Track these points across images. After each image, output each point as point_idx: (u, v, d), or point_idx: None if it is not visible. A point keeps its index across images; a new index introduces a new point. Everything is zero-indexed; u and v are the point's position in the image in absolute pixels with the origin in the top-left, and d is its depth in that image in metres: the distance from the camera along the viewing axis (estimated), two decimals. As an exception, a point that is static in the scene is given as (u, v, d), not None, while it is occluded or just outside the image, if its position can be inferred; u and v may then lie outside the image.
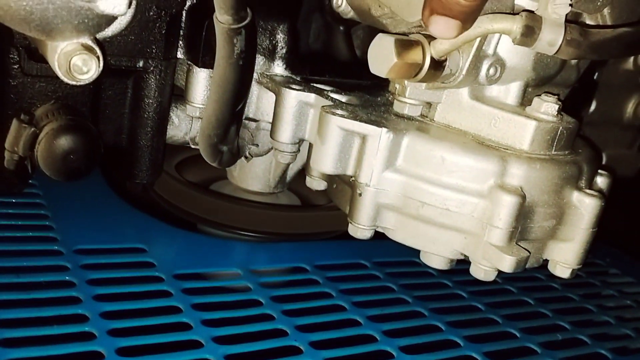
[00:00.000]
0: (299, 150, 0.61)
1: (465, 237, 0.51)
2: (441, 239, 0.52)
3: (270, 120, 0.63)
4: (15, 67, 0.52)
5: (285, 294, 0.56)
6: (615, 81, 0.83)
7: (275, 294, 0.55)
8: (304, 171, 0.75)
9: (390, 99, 0.59)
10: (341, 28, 0.67)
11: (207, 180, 0.81)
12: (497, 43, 0.51)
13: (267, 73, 0.62)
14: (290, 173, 0.77)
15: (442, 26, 0.41)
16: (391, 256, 0.66)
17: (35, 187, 0.65)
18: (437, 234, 0.52)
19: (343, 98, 0.59)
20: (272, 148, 0.69)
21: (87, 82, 0.45)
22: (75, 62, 0.44)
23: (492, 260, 0.49)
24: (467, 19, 0.42)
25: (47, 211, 0.61)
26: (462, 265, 0.53)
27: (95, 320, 0.47)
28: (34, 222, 0.59)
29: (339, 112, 0.52)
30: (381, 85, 0.63)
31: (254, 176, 0.76)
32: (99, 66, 0.45)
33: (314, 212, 0.77)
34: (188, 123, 0.65)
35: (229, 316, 0.51)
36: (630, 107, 0.86)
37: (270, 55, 0.62)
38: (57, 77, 0.51)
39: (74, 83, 0.45)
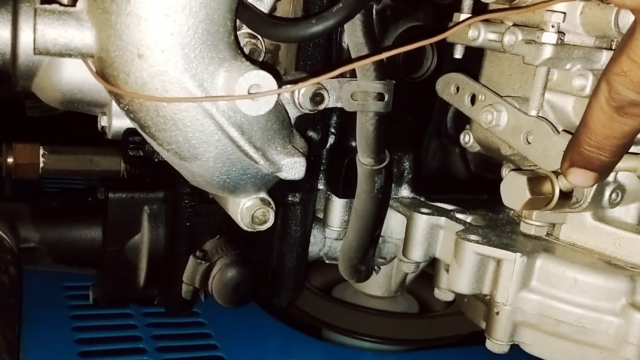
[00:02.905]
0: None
1: (600, 351, 0.55)
2: (577, 353, 0.56)
3: (396, 237, 0.69)
4: (189, 210, 0.61)
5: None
6: None
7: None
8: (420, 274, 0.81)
9: (511, 215, 0.65)
10: (456, 149, 0.74)
11: (330, 282, 0.88)
12: (618, 172, 0.56)
13: (395, 196, 0.69)
14: (410, 277, 0.83)
15: (580, 178, 0.47)
16: (518, 360, 0.70)
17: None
18: (573, 348, 0.56)
19: (468, 218, 0.64)
20: (394, 257, 0.76)
21: (264, 229, 0.53)
22: (257, 215, 0.52)
23: (629, 375, 0.53)
24: (605, 172, 0.47)
25: (209, 330, 0.69)
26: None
27: None
28: (200, 342, 0.67)
29: (474, 237, 0.58)
30: (497, 198, 0.69)
31: (375, 281, 0.82)
32: (273, 215, 0.53)
33: (435, 318, 0.82)
34: (322, 240, 0.73)
35: None
36: None
37: (398, 181, 0.69)
38: (223, 215, 0.61)
39: (252, 231, 0.53)
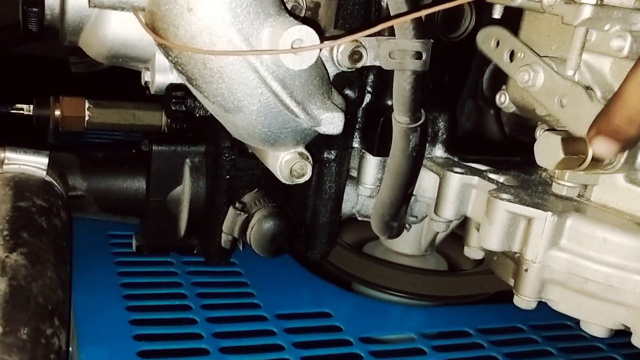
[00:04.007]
0: (453, 221, 0.69)
1: (627, 310, 0.56)
2: (603, 311, 0.57)
3: (428, 196, 0.71)
4: (229, 163, 0.63)
5: (459, 357, 0.63)
6: None
7: (450, 357, 0.63)
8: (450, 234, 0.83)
9: (543, 176, 0.65)
10: (491, 110, 0.75)
11: (361, 240, 0.90)
12: (653, 134, 0.56)
13: (429, 156, 0.71)
14: (440, 236, 0.84)
15: (603, 148, 0.47)
16: (544, 319, 0.72)
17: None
18: (600, 306, 0.57)
19: (501, 178, 0.65)
20: (425, 216, 0.78)
21: (301, 182, 0.55)
22: (295, 168, 0.54)
23: (654, 333, 0.54)
24: (628, 146, 0.47)
25: (246, 279, 0.72)
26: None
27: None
28: (237, 290, 0.70)
29: (505, 196, 0.59)
30: (530, 160, 0.70)
31: (406, 240, 0.84)
32: (311, 169, 0.55)
33: (462, 276, 0.84)
34: (355, 198, 0.75)
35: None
36: None
37: (432, 141, 0.70)
38: (261, 169, 0.63)
39: (291, 184, 0.55)
